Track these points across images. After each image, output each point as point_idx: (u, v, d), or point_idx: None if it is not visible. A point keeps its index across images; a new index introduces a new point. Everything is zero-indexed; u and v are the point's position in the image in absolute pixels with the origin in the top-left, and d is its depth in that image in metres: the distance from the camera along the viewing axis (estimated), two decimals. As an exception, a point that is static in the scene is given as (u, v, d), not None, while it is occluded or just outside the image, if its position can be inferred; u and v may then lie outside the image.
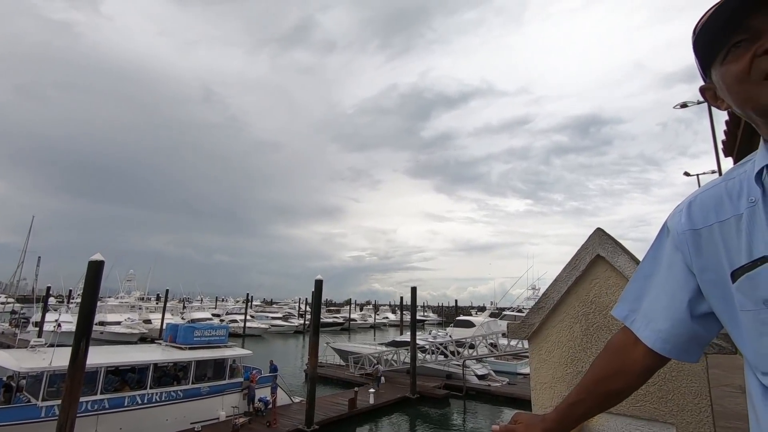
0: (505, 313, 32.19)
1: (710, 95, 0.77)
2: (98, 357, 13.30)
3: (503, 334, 21.95)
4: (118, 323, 40.00)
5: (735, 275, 0.66)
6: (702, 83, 0.78)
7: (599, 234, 1.66)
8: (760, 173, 0.68)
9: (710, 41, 0.69)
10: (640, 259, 1.99)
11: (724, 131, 4.18)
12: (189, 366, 15.59)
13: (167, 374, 15.45)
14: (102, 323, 37.72)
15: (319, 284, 17.30)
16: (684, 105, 17.77)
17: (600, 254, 1.63)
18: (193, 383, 15.41)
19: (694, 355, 0.81)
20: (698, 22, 0.70)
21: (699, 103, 17.47)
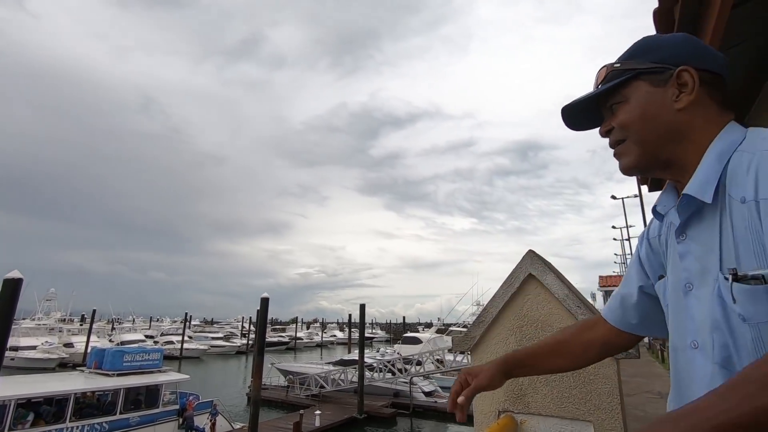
0: (451, 329, 32.88)
1: None
2: (8, 388, 11.85)
3: (449, 350, 22.41)
4: (33, 348, 35.87)
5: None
6: None
7: (531, 255, 1.87)
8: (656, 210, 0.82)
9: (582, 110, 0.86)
10: (566, 277, 2.23)
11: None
12: (117, 395, 14.33)
13: (92, 405, 14.06)
14: (14, 348, 33.67)
15: (265, 302, 16.75)
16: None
17: (531, 273, 1.84)
18: (121, 413, 14.15)
19: (639, 325, 0.91)
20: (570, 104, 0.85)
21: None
